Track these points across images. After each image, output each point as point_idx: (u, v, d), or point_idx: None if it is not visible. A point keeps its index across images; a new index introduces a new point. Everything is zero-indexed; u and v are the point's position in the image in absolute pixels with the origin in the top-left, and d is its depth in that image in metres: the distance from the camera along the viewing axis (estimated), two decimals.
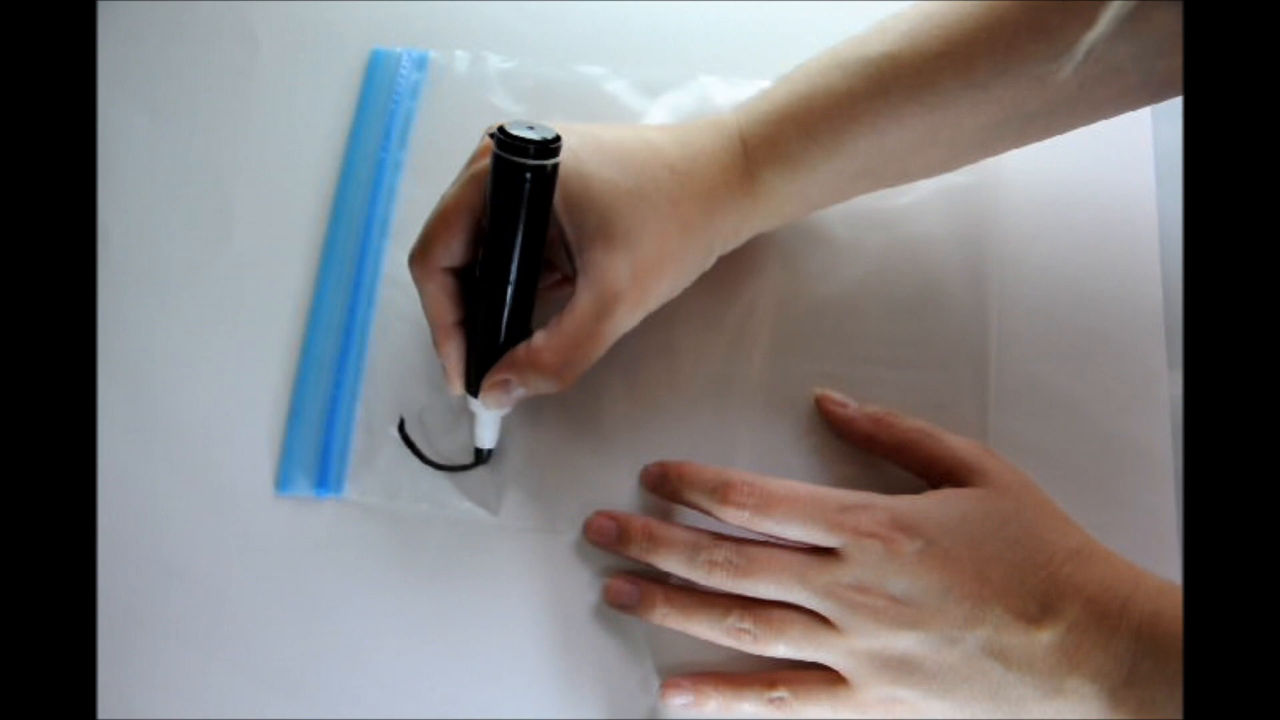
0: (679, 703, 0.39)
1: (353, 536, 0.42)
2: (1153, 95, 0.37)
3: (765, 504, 0.37)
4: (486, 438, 0.41)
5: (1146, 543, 0.40)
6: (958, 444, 0.39)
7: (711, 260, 0.41)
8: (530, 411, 0.43)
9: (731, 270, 0.44)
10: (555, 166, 0.35)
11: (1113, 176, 0.46)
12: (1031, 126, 0.38)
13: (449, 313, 0.38)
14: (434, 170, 0.38)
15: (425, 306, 0.38)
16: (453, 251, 0.38)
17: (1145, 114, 0.47)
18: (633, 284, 0.37)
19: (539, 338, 0.37)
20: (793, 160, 0.38)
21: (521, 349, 0.37)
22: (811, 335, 0.44)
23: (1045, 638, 0.34)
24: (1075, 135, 0.39)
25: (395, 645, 0.40)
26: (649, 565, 0.40)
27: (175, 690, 0.40)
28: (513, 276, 0.37)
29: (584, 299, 0.36)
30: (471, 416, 0.41)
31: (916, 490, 0.38)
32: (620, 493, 0.42)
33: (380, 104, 0.48)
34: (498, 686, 0.40)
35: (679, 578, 0.39)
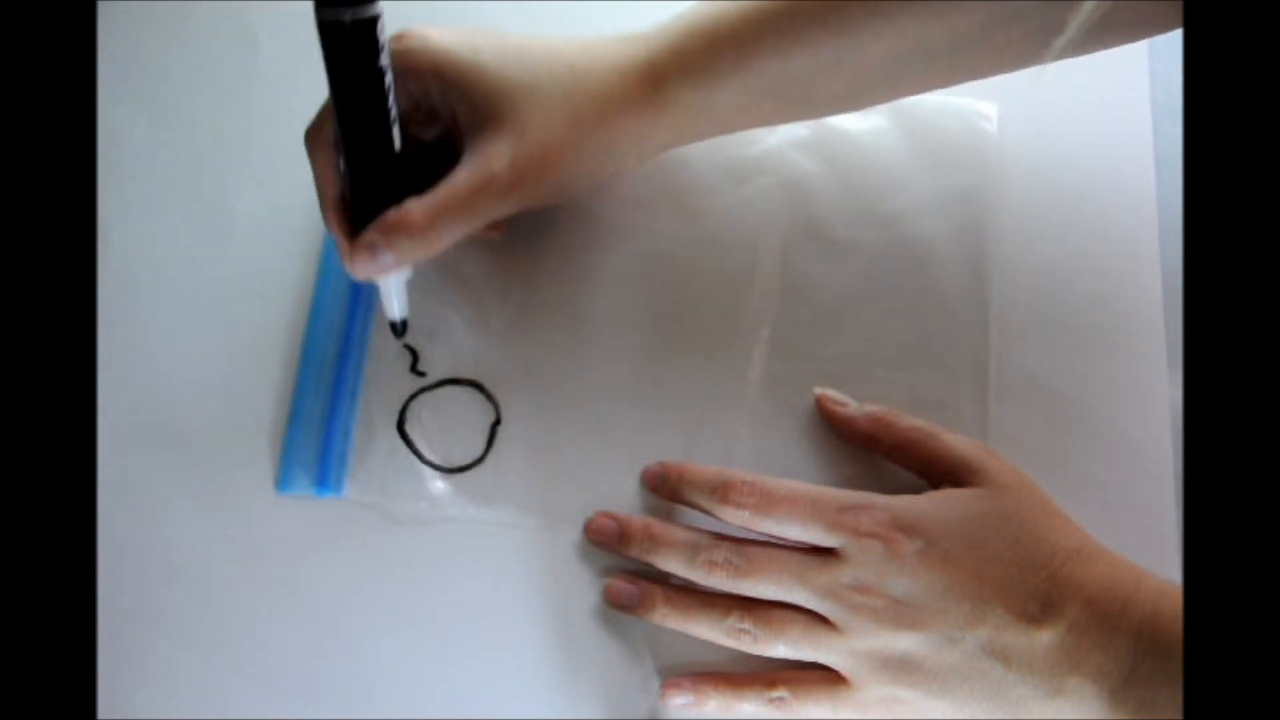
0: (679, 703, 0.39)
1: (353, 536, 0.42)
2: (1053, 49, 0.36)
3: (765, 504, 0.37)
4: (392, 309, 0.41)
5: (1146, 543, 0.40)
6: (958, 444, 0.39)
7: (610, 168, 0.41)
8: (530, 411, 0.43)
9: (731, 269, 0.44)
10: (375, 18, 0.34)
11: (1113, 176, 0.46)
12: (936, 64, 0.38)
13: (332, 185, 0.38)
14: None
15: (314, 180, 0.39)
16: None
17: (1146, 112, 0.47)
18: (510, 169, 0.37)
19: (410, 202, 0.37)
20: (697, 71, 0.38)
21: (391, 212, 0.37)
22: (811, 335, 0.44)
23: (1045, 638, 0.34)
24: (1075, 134, 0.39)
25: (395, 645, 0.40)
26: (649, 565, 0.40)
27: (175, 690, 0.40)
28: (363, 134, 0.36)
29: (461, 173, 0.37)
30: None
31: (916, 490, 0.38)
32: (620, 493, 0.42)
33: None
34: (498, 686, 0.40)
35: (679, 578, 0.39)
